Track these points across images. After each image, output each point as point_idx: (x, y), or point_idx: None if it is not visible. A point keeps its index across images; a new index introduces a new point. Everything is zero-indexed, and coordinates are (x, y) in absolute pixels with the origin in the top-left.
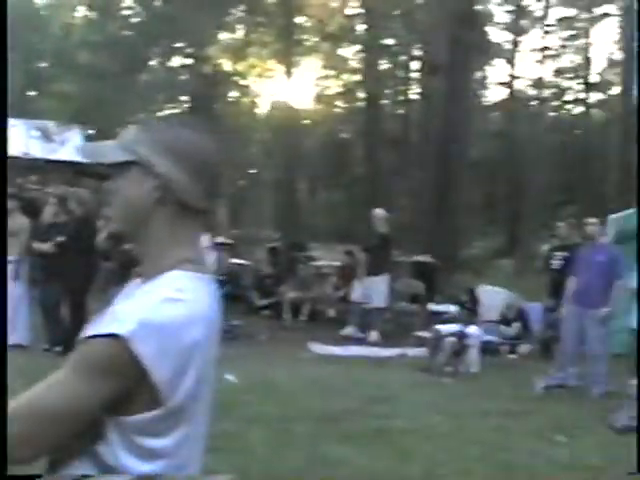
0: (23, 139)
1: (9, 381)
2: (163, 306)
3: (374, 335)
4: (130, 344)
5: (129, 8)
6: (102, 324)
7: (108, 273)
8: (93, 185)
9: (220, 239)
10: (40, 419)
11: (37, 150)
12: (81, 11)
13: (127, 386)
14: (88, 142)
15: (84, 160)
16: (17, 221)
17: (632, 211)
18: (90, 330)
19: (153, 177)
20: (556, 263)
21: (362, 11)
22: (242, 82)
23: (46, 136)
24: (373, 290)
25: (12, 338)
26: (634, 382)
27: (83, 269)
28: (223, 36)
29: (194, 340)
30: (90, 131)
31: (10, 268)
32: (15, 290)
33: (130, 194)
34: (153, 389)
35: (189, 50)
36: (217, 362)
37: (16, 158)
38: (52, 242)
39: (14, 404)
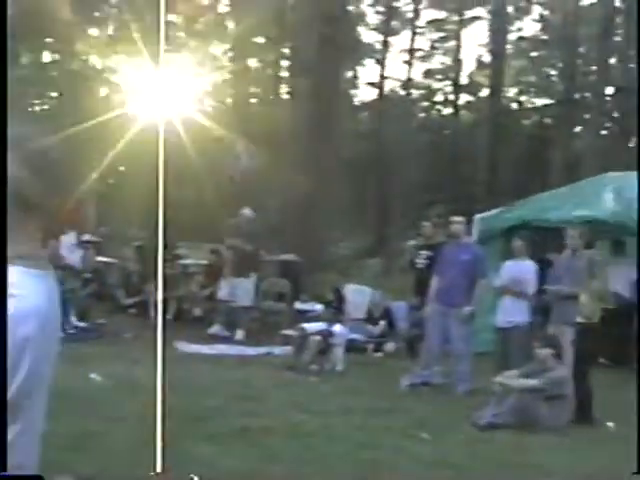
0: None
1: None
2: None
3: (240, 334)
4: None
5: None
6: None
7: None
8: None
9: (87, 237)
10: None
11: None
12: None
13: None
14: None
15: None
16: None
17: (497, 211)
18: None
19: None
20: (421, 262)
21: (232, 9)
22: (112, 79)
23: None
24: (239, 289)
25: None
26: (499, 379)
27: None
28: (93, 32)
29: (25, 335)
30: None
31: None
32: None
33: None
34: None
35: (59, 46)
36: (82, 361)
37: None
38: None
39: None
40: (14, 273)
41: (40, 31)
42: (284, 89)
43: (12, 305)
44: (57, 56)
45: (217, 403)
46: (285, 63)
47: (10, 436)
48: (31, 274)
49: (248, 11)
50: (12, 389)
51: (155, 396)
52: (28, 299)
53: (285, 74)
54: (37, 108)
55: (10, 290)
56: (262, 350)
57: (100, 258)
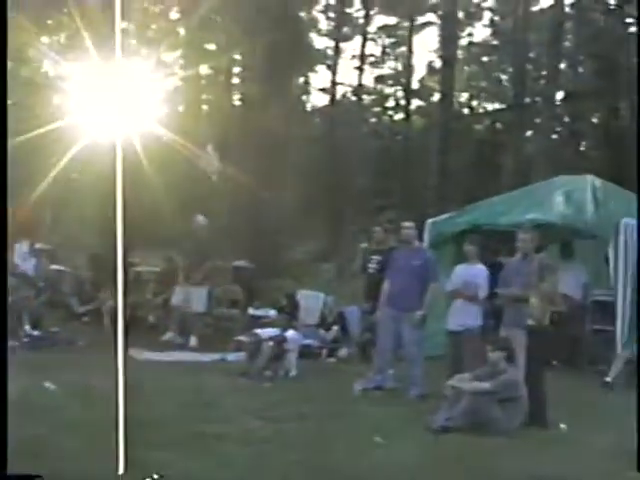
0: None
1: None
2: None
3: (194, 340)
4: None
5: None
6: None
7: None
8: None
9: (40, 245)
10: None
11: None
12: None
13: None
14: None
15: None
16: None
17: (449, 216)
18: None
19: None
20: (373, 267)
21: (183, 16)
22: (65, 86)
23: None
24: (193, 295)
25: None
26: (451, 383)
27: None
28: (45, 39)
29: None
30: None
31: None
32: None
33: None
34: None
35: (11, 54)
36: (36, 369)
37: None
38: None
39: None
40: None
41: None
42: (236, 95)
43: None
44: (10, 63)
45: (171, 409)
46: (237, 70)
47: None
48: None
49: (199, 18)
50: None
51: (116, 402)
52: None
53: (237, 80)
54: None
55: None
56: (215, 356)
57: (54, 266)
